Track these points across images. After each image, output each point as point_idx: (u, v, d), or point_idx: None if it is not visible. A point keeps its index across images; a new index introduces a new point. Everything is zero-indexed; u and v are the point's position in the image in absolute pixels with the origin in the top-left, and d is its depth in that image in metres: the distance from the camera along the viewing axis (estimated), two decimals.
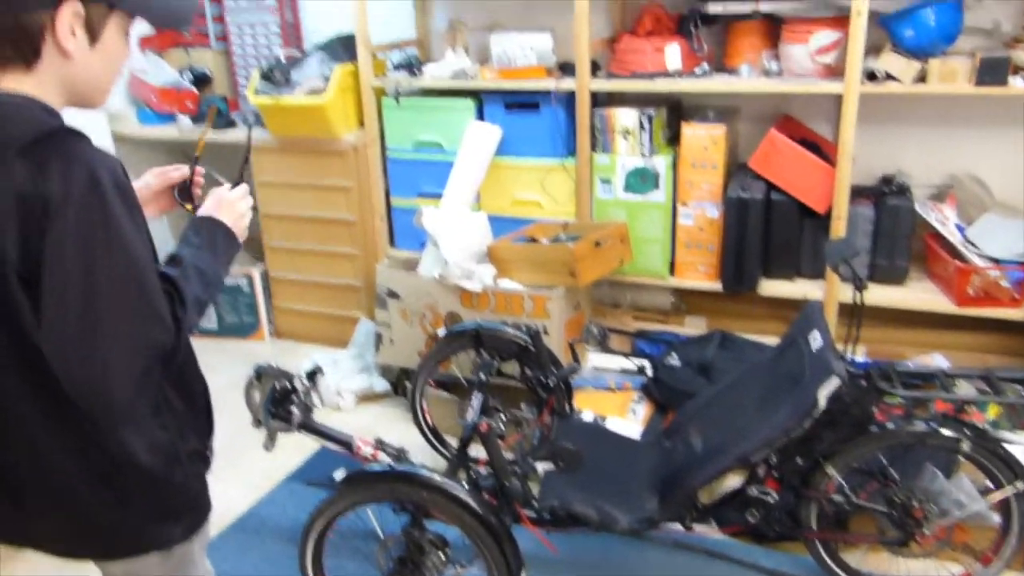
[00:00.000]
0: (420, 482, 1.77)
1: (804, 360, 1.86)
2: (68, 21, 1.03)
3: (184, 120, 3.77)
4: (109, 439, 1.13)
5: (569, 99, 2.95)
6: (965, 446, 1.82)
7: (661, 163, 2.86)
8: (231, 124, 3.65)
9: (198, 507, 1.32)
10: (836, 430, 1.84)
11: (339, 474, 1.83)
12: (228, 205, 1.30)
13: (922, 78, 2.52)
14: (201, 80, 3.87)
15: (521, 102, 3.02)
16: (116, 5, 1.08)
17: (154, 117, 3.81)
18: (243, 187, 1.37)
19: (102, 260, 1.00)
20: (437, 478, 1.77)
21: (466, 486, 1.78)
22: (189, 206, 1.47)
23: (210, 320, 3.84)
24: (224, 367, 3.58)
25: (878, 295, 2.70)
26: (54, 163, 0.98)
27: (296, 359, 3.51)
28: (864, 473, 1.93)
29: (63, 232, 0.98)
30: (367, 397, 3.24)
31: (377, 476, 1.82)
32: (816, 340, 1.83)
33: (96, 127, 3.63)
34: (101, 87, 1.14)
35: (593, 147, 2.96)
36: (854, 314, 1.89)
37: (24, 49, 1.03)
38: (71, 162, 0.99)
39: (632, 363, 2.90)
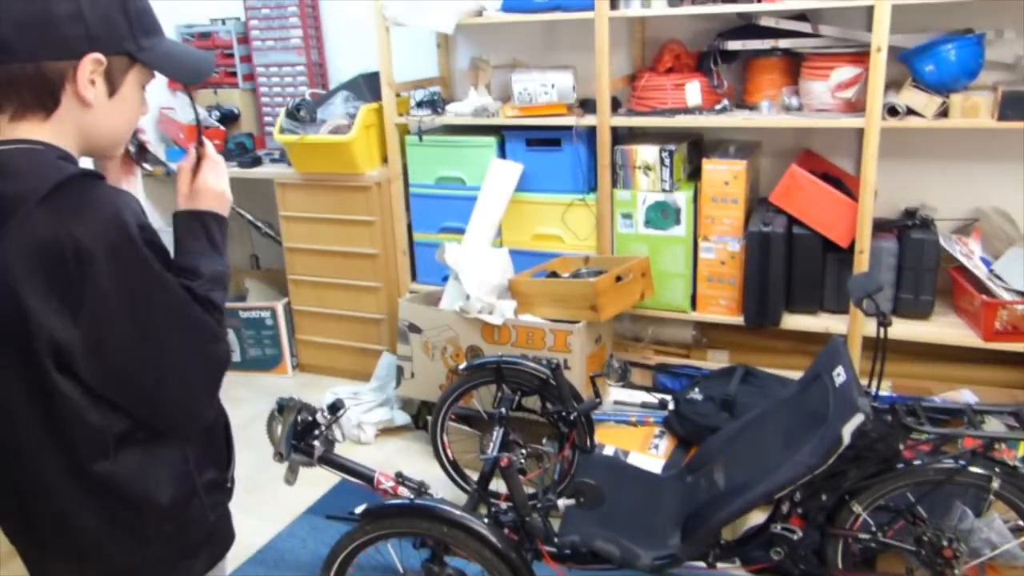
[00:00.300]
0: (440, 517, 1.76)
1: (828, 396, 1.84)
2: (88, 71, 1.04)
3: None
4: (130, 487, 1.11)
5: (590, 135, 2.98)
6: (995, 484, 1.78)
7: (682, 198, 2.87)
8: (257, 162, 3.72)
9: (217, 540, 1.29)
10: (862, 467, 1.81)
11: (360, 508, 1.83)
12: (205, 192, 1.22)
13: (944, 112, 2.52)
14: (228, 118, 3.95)
15: (542, 138, 3.05)
16: (137, 59, 1.09)
17: (181, 155, 3.86)
18: (211, 162, 1.27)
19: (152, 303, 1.04)
20: (457, 513, 1.76)
21: (486, 521, 1.77)
22: (156, 168, 1.42)
23: (233, 353, 3.87)
24: (247, 400, 3.62)
25: (903, 329, 2.68)
26: (77, 210, 0.98)
27: (318, 392, 3.52)
28: (891, 511, 1.89)
29: (106, 288, 0.99)
30: (388, 430, 3.24)
31: (397, 510, 1.82)
32: (840, 375, 1.82)
33: None
34: (115, 138, 1.15)
35: (614, 183, 2.97)
36: (878, 349, 1.87)
37: (44, 97, 1.04)
38: (94, 208, 1.00)
39: (654, 397, 2.88)
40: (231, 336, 3.85)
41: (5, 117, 1.04)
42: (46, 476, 1.07)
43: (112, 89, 1.08)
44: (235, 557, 2.52)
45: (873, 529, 1.87)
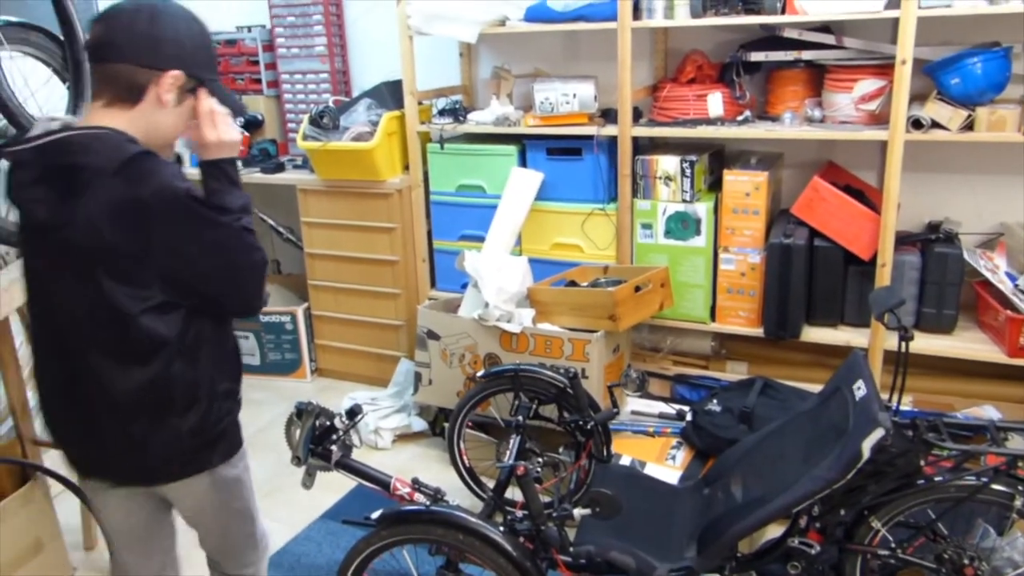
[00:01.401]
0: (456, 524, 1.76)
1: (848, 410, 1.82)
2: (172, 81, 1.40)
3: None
4: (170, 385, 1.44)
5: (611, 145, 2.98)
6: (1019, 502, 1.76)
7: (703, 209, 2.87)
8: (280, 168, 3.75)
9: (228, 440, 1.60)
10: (882, 482, 1.80)
11: (376, 514, 1.83)
12: (208, 144, 1.48)
13: (969, 126, 2.49)
14: (252, 124, 3.99)
15: (563, 147, 3.06)
16: (205, 85, 1.47)
17: None
18: (205, 118, 1.48)
19: (203, 237, 1.39)
20: (473, 520, 1.76)
21: (502, 530, 1.76)
22: None
23: (253, 357, 3.90)
24: (266, 403, 3.64)
25: (925, 344, 2.65)
26: (140, 178, 1.32)
27: (336, 397, 3.54)
28: (911, 527, 1.87)
29: (165, 231, 1.34)
30: (405, 436, 3.25)
31: (413, 517, 1.82)
32: (860, 389, 1.80)
33: None
34: (170, 137, 1.47)
35: (634, 192, 2.97)
36: (900, 363, 1.85)
37: (133, 93, 1.39)
38: (152, 176, 1.33)
39: (671, 408, 2.87)
40: (252, 340, 3.88)
41: (100, 103, 1.40)
42: (110, 373, 1.41)
43: (180, 101, 1.44)
44: None
45: (892, 545, 1.85)
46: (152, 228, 1.33)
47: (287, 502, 2.85)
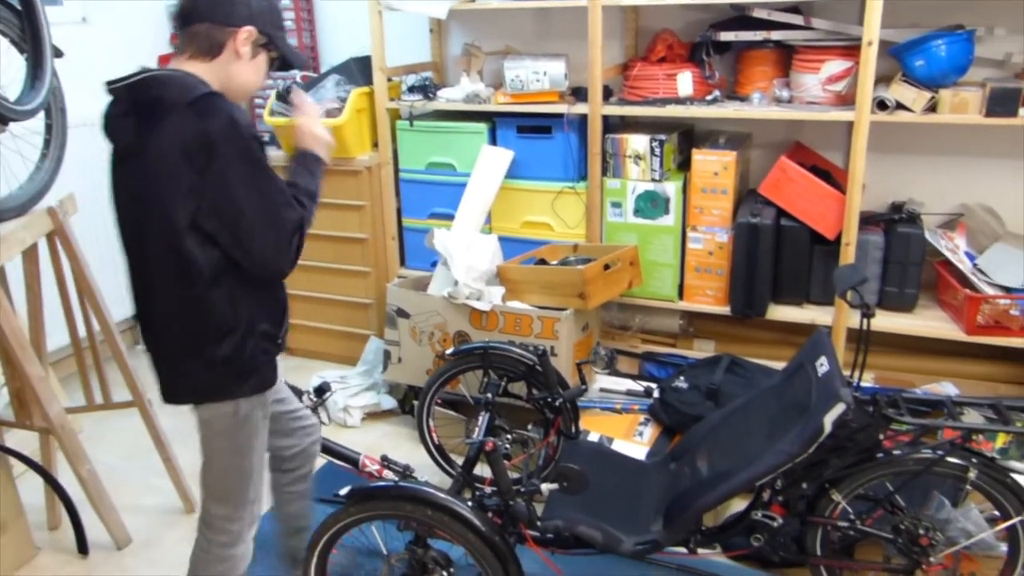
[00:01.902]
0: (424, 500, 1.77)
1: (811, 386, 1.86)
2: (246, 36, 1.60)
3: None
4: (213, 311, 1.59)
5: (581, 124, 2.98)
6: (972, 475, 1.81)
7: (671, 188, 2.88)
8: None
9: (262, 375, 1.71)
10: (842, 456, 1.84)
11: (344, 490, 1.84)
12: (301, 133, 1.73)
13: (933, 107, 2.53)
14: None
15: (534, 126, 3.05)
16: (273, 40, 1.65)
17: None
18: (300, 111, 1.77)
19: (254, 177, 1.52)
20: (442, 496, 1.77)
21: (471, 505, 1.78)
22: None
23: None
24: None
25: (887, 322, 2.70)
26: (208, 114, 1.48)
27: (306, 375, 3.53)
28: (870, 500, 1.92)
29: (223, 163, 1.48)
30: (374, 415, 3.25)
31: (382, 493, 1.83)
32: (823, 366, 1.83)
33: None
34: (244, 88, 1.66)
35: (604, 171, 2.98)
36: (861, 340, 1.89)
37: (212, 48, 1.59)
38: (219, 113, 1.49)
39: (639, 385, 2.90)
40: None
41: (184, 57, 1.60)
42: (164, 288, 1.59)
43: (254, 55, 1.63)
44: None
45: (852, 517, 1.89)
46: (211, 159, 1.48)
47: None
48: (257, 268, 1.59)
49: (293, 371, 3.70)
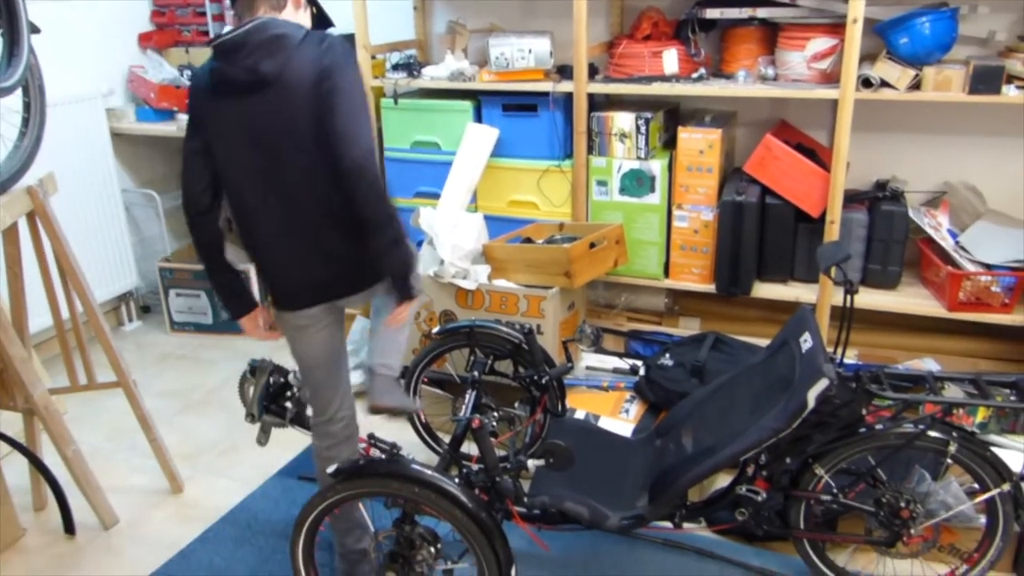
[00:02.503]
0: (411, 477, 1.78)
1: (795, 362, 1.87)
2: None
3: (183, 117, 3.78)
4: (349, 222, 1.80)
5: (567, 102, 2.97)
6: (953, 448, 1.84)
7: (657, 166, 2.88)
8: None
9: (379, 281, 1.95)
10: (825, 431, 1.86)
11: (331, 468, 1.84)
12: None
13: (917, 85, 2.54)
14: None
15: (519, 103, 3.04)
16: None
17: (152, 114, 3.82)
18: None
19: (359, 92, 1.75)
20: (428, 473, 1.78)
21: (457, 482, 1.79)
22: None
23: (205, 316, 3.85)
24: (220, 363, 3.61)
25: (870, 299, 2.72)
26: (323, 44, 1.74)
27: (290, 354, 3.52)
28: (853, 474, 1.95)
29: (340, 82, 1.71)
30: (361, 394, 3.24)
31: (369, 471, 1.83)
32: (807, 342, 1.85)
33: (95, 123, 3.64)
34: None
35: (590, 150, 2.98)
36: (845, 317, 1.90)
37: (281, 3, 1.80)
38: (333, 43, 1.75)
39: (625, 363, 2.92)
40: (203, 299, 3.82)
41: (260, 11, 1.77)
42: (319, 201, 1.79)
43: (305, 8, 1.88)
44: (207, 517, 2.54)
45: (835, 491, 1.92)
46: (327, 79, 1.70)
47: (242, 460, 2.84)
48: (350, 167, 1.73)
49: (279, 351, 3.65)
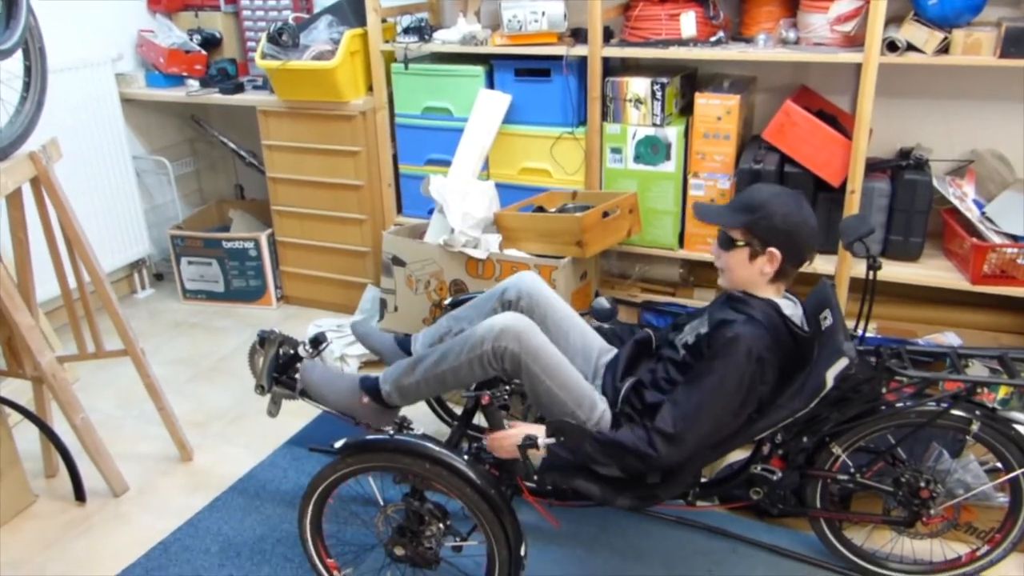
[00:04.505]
0: (421, 453, 1.75)
1: (813, 339, 1.82)
2: None
3: (192, 83, 3.73)
4: None
5: (581, 67, 2.89)
6: (975, 427, 1.79)
7: (673, 133, 2.81)
8: (240, 88, 3.61)
9: None
10: (844, 409, 1.81)
11: (339, 442, 1.81)
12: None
13: (945, 49, 2.44)
14: (210, 42, 3.82)
15: (532, 68, 2.96)
16: None
17: (162, 80, 3.76)
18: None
19: None
20: (437, 450, 1.75)
21: (467, 459, 1.76)
22: None
23: (217, 284, 3.83)
24: (231, 331, 3.60)
25: (891, 271, 2.65)
26: None
27: (302, 324, 3.51)
28: (871, 452, 1.90)
29: None
30: (371, 363, 3.23)
31: (378, 446, 1.80)
32: (827, 319, 1.79)
33: (104, 88, 3.60)
34: None
35: (604, 116, 2.90)
36: (867, 292, 1.85)
37: None
38: None
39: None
40: (215, 267, 3.79)
41: None
42: None
43: None
44: (216, 485, 2.54)
45: (852, 471, 1.88)
46: None
47: (252, 429, 2.84)
48: None
49: (289, 319, 3.68)
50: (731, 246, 1.84)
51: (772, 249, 1.79)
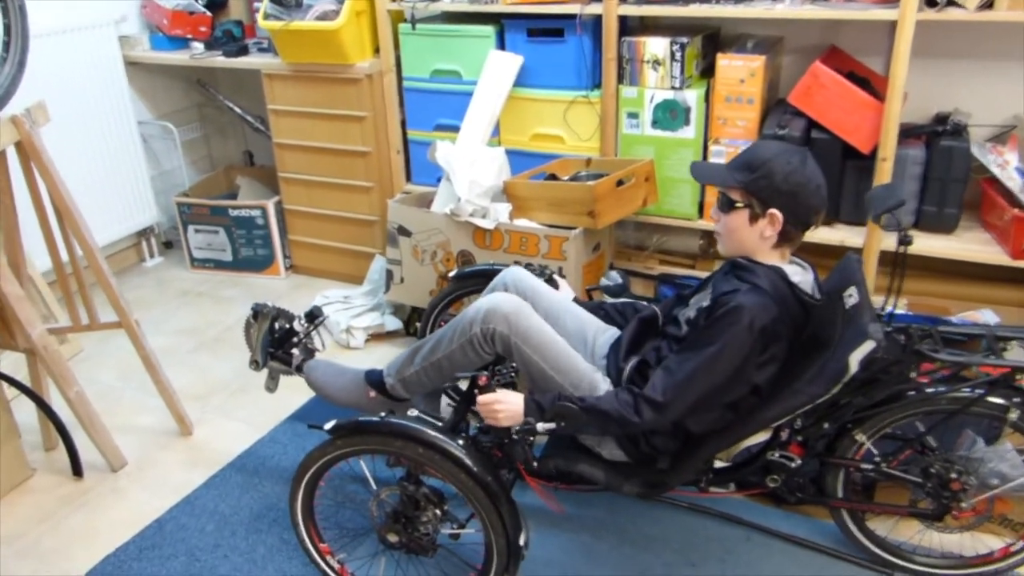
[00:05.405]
0: (414, 437, 1.65)
1: (837, 317, 1.68)
2: None
3: (197, 46, 3.62)
4: None
5: (596, 26, 2.73)
6: (1014, 415, 1.65)
7: (692, 97, 2.65)
8: (244, 51, 3.49)
9: None
10: (869, 394, 1.68)
11: (330, 424, 1.72)
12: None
13: (989, 4, 2.26)
14: (216, 4, 3.70)
15: (545, 28, 2.81)
16: None
17: (166, 42, 3.65)
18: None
19: None
20: (432, 433, 1.65)
21: (462, 443, 1.65)
22: None
23: (224, 252, 3.75)
24: (238, 300, 3.53)
25: (924, 244, 2.49)
26: None
27: (310, 295, 3.42)
28: (898, 439, 1.77)
29: None
30: (378, 336, 3.14)
31: (370, 428, 1.71)
32: (852, 297, 1.66)
33: (108, 51, 3.50)
34: None
35: (620, 78, 2.75)
36: (896, 267, 1.70)
37: None
38: None
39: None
40: (222, 235, 3.71)
41: None
42: None
43: None
44: (215, 461, 2.47)
45: (877, 459, 1.75)
46: None
47: (253, 403, 2.76)
48: None
49: (297, 289, 3.59)
50: (730, 208, 1.71)
51: (773, 210, 1.66)
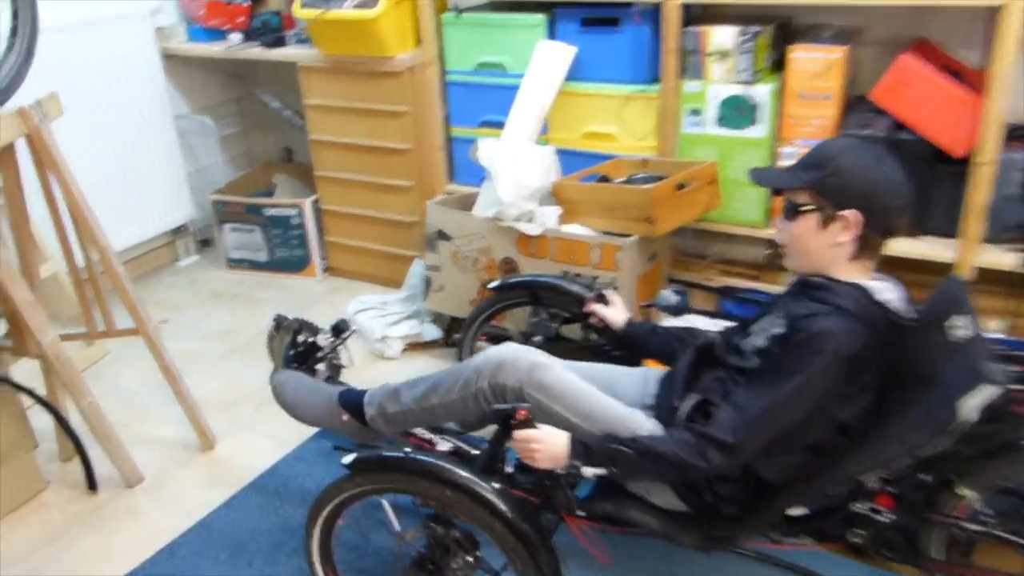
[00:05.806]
0: (442, 478, 1.45)
1: (937, 352, 1.42)
2: None
3: (234, 37, 3.48)
4: None
5: (655, 14, 2.51)
6: None
7: (762, 92, 2.41)
8: (280, 42, 3.34)
9: None
10: (976, 443, 1.43)
11: (348, 458, 1.53)
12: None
13: None
14: None
15: (600, 17, 2.59)
16: None
17: (203, 33, 3.52)
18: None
19: None
20: (463, 474, 1.45)
21: (497, 487, 1.45)
22: None
23: (260, 252, 3.61)
24: (272, 302, 3.38)
25: None
26: None
27: (347, 298, 3.25)
28: (1013, 495, 1.51)
29: None
30: (416, 345, 2.95)
31: (393, 464, 1.51)
32: (959, 328, 1.39)
33: (143, 43, 3.40)
34: None
35: (681, 72, 2.52)
36: (1013, 285, 1.44)
37: None
38: None
39: (716, 326, 2.50)
40: (257, 234, 3.57)
41: None
42: None
43: None
44: (236, 479, 2.31)
45: (984, 518, 1.49)
46: None
47: (279, 414, 2.53)
48: None
49: (334, 293, 3.43)
50: (796, 214, 1.47)
51: (847, 212, 1.42)
